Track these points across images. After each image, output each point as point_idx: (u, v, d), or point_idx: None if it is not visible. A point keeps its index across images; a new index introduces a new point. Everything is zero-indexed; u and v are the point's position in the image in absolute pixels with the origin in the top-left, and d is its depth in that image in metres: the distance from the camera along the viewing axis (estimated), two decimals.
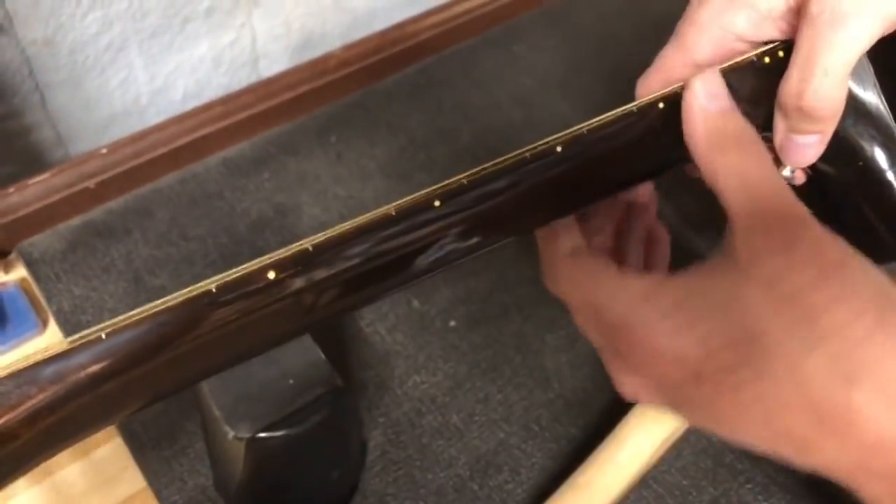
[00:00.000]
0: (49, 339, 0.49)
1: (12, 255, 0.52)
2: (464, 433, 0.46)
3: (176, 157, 0.56)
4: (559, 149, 0.29)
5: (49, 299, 0.50)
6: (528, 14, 0.69)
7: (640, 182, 0.33)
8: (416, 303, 0.51)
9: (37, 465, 0.25)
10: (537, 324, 0.51)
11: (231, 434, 0.35)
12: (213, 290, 0.25)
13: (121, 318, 0.25)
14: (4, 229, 0.51)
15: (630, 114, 0.31)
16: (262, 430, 0.35)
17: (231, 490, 0.41)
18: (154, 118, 0.67)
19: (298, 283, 0.26)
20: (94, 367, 0.24)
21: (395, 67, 0.63)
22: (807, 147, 0.35)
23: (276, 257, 0.26)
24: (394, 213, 0.28)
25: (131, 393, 0.25)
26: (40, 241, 0.52)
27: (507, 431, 0.47)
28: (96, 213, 0.54)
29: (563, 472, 0.44)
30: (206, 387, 0.36)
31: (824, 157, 0.34)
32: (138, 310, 0.25)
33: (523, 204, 0.30)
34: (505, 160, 0.29)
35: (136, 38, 0.65)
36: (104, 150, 0.54)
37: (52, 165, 0.60)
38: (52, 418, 0.24)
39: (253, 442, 0.35)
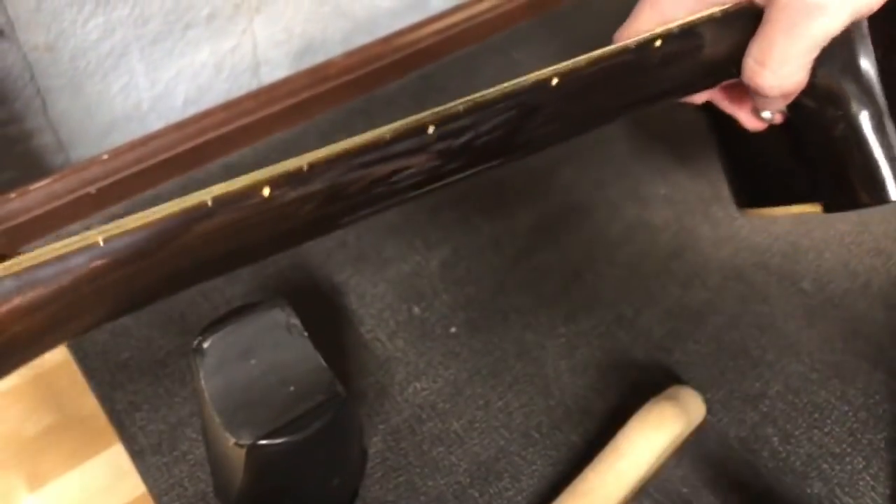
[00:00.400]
0: None
1: None
2: (464, 440, 0.46)
3: (177, 164, 0.56)
4: (555, 81, 0.30)
5: None
6: (528, 22, 0.69)
7: (631, 113, 0.34)
8: (416, 309, 0.52)
9: (20, 364, 0.25)
10: (538, 331, 0.51)
11: (232, 440, 0.35)
12: (209, 203, 0.26)
13: (115, 224, 0.25)
14: (6, 235, 0.51)
15: (627, 49, 0.31)
16: (263, 437, 0.34)
17: (231, 497, 0.41)
18: (155, 124, 0.67)
19: (293, 200, 0.27)
20: (90, 268, 0.25)
21: (397, 74, 0.63)
22: (770, 102, 0.35)
23: (272, 173, 0.27)
24: (388, 137, 0.28)
25: (122, 294, 0.26)
26: (41, 246, 0.52)
27: (507, 438, 0.47)
28: (97, 218, 0.54)
29: (564, 480, 0.44)
30: (207, 393, 0.36)
31: (812, 95, 0.34)
32: (134, 217, 0.26)
33: (517, 131, 0.30)
34: (502, 88, 0.30)
35: (138, 44, 0.65)
36: (105, 157, 0.55)
37: (52, 171, 0.60)
38: (42, 314, 0.24)
39: (254, 448, 0.35)
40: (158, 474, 0.44)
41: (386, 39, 0.63)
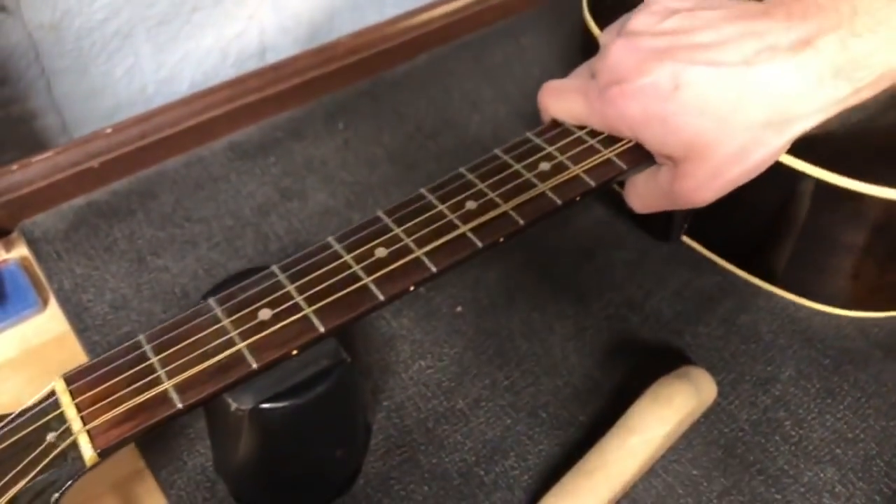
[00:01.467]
0: (49, 318, 0.48)
1: (14, 234, 0.51)
2: (469, 418, 0.45)
3: (182, 140, 0.55)
4: (502, 239, 0.36)
5: (50, 278, 0.49)
6: (537, 8, 0.69)
7: None
8: (422, 288, 0.51)
9: None
10: (545, 311, 0.50)
11: (233, 406, 0.34)
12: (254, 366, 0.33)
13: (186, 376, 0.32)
14: (6, 207, 0.51)
15: (556, 204, 0.37)
16: (265, 401, 0.34)
17: (231, 469, 0.40)
18: None
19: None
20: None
21: (404, 56, 0.63)
22: None
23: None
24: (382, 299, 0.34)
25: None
26: (43, 219, 0.52)
27: (514, 418, 0.46)
28: (100, 193, 0.53)
29: (571, 460, 0.42)
30: None
31: None
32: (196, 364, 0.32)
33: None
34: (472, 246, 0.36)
35: (144, 25, 0.65)
36: (109, 130, 0.54)
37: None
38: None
39: (255, 413, 0.34)
40: (157, 448, 0.43)
41: (394, 21, 0.63)
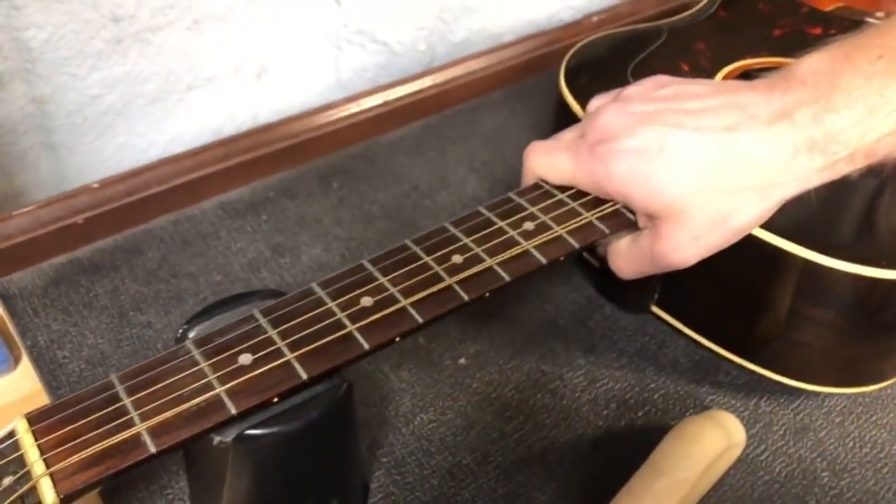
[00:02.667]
0: (21, 376, 0.45)
1: None
2: (478, 475, 0.41)
3: (171, 198, 0.53)
4: (487, 294, 0.35)
5: (24, 334, 0.46)
6: (529, 79, 0.69)
7: None
8: (422, 340, 0.48)
9: None
10: (555, 362, 0.47)
11: (216, 439, 0.30)
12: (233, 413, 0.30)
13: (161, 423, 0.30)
14: None
15: (540, 263, 0.36)
16: (252, 427, 0.30)
17: None
18: None
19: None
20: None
21: (399, 122, 0.62)
22: None
23: None
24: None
25: None
26: (20, 276, 0.49)
27: (526, 473, 0.42)
28: (83, 250, 0.51)
29: None
30: None
31: None
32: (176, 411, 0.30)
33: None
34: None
35: (137, 102, 0.64)
36: (96, 185, 0.52)
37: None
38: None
39: (241, 442, 0.30)
40: None
41: (386, 86, 0.63)
